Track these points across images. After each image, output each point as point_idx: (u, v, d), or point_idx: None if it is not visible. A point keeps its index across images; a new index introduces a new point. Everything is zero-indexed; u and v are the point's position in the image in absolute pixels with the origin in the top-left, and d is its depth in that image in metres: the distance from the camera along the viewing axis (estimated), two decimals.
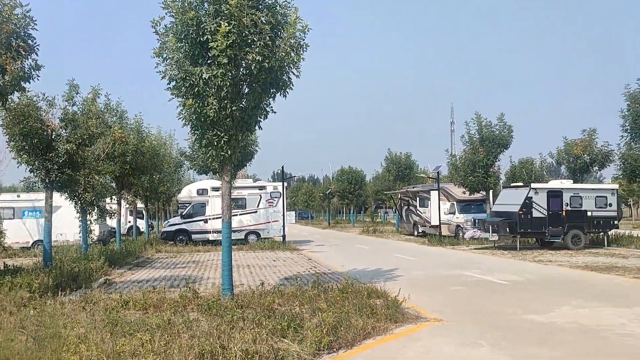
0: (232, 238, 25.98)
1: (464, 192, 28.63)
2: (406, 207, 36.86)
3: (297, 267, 16.93)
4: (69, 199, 16.42)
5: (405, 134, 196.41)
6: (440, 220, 28.69)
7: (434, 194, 29.87)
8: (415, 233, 34.42)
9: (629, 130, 22.55)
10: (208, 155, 10.32)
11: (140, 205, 29.64)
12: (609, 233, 24.08)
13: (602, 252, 21.06)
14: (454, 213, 30.21)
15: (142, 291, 10.68)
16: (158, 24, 9.78)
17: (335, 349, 7.07)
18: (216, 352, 6.33)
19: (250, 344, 6.55)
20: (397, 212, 42.33)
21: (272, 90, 10.34)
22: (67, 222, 20.87)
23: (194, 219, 27.67)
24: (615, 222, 23.79)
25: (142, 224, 33.79)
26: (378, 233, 39.35)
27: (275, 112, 10.74)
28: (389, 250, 24.47)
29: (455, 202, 30.44)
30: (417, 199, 34.32)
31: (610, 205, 23.34)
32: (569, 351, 6.96)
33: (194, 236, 27.32)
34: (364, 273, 14.85)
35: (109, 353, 6.23)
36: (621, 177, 25.84)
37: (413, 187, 37.03)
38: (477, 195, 28.49)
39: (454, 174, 28.48)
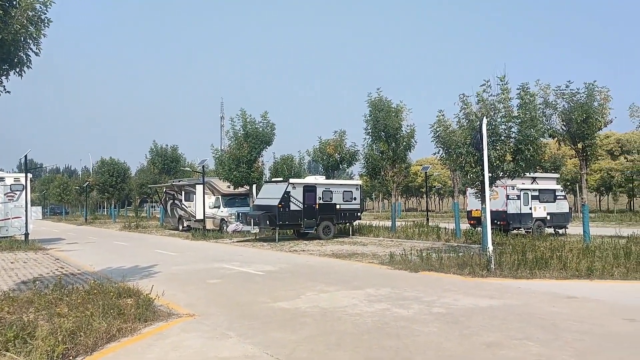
0: None
1: (229, 187, 29.21)
2: (171, 201, 36.01)
3: (40, 268, 15.10)
4: None
5: (173, 127, 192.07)
6: (205, 215, 28.70)
7: (199, 188, 29.75)
8: (180, 228, 33.89)
9: (370, 133, 25.70)
10: None
11: None
12: (354, 224, 27.17)
13: (347, 241, 23.63)
14: (219, 207, 30.58)
15: None
16: None
17: (72, 357, 6.46)
18: None
19: None
20: (162, 206, 41.04)
21: (4, 67, 8.98)
22: None
23: None
24: (359, 214, 26.93)
25: None
26: (141, 228, 37.62)
27: (9, 92, 9.37)
28: (150, 246, 23.54)
29: (220, 196, 30.82)
30: (183, 193, 33.80)
31: (355, 199, 26.30)
32: (308, 333, 7.56)
33: None
34: (119, 271, 13.98)
35: None
36: (365, 174, 29.35)
37: (179, 181, 36.33)
38: (241, 190, 29.33)
39: (219, 168, 28.84)
